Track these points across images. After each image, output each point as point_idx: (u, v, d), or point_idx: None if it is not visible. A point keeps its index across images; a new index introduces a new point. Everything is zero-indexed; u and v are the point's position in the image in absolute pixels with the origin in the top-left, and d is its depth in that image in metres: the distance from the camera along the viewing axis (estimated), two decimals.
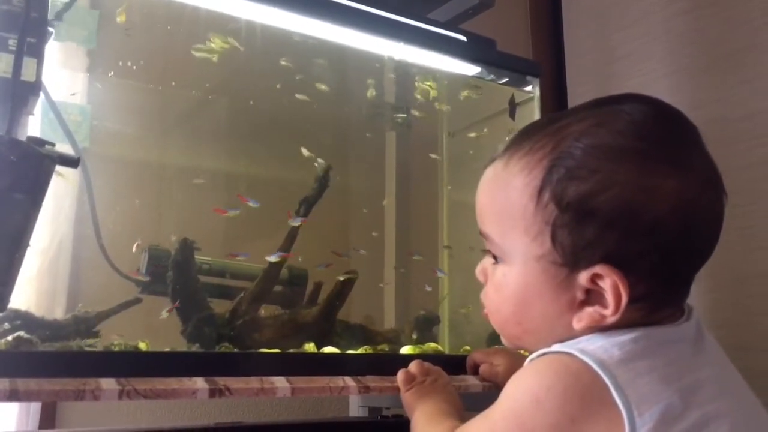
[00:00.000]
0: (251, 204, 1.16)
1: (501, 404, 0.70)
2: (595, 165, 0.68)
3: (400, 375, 0.96)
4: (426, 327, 1.31)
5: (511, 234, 0.73)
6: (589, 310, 0.70)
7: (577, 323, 0.70)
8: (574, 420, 0.64)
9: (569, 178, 0.68)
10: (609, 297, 0.68)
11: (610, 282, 0.67)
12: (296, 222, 1.18)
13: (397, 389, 0.96)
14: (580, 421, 0.64)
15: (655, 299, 0.70)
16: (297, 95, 1.28)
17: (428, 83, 1.33)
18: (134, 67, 1.18)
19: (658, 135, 0.70)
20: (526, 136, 0.74)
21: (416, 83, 1.35)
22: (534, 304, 0.73)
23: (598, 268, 0.67)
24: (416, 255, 1.43)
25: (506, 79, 1.40)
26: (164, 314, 1.06)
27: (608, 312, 0.68)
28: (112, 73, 1.17)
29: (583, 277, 0.69)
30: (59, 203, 1.13)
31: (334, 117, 1.42)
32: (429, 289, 1.42)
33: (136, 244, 1.12)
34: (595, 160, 0.68)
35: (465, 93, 1.42)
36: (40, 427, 1.40)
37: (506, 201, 0.73)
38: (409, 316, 1.38)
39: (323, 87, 1.30)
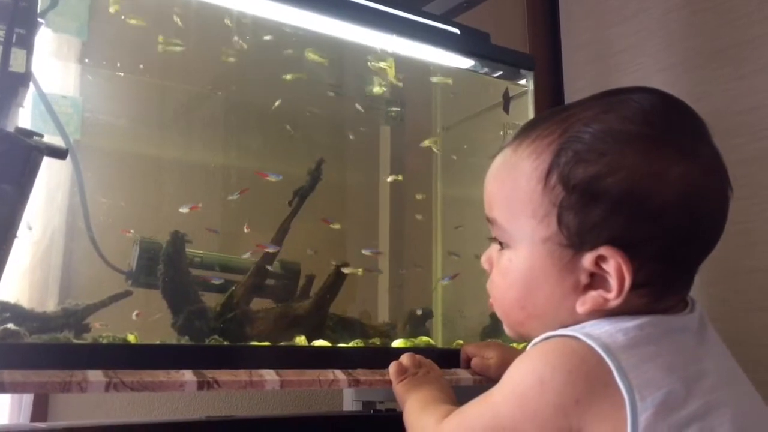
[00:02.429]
0: (272, 178, 1.18)
1: (503, 386, 0.70)
2: (603, 148, 0.68)
3: (392, 367, 0.96)
4: (419, 321, 1.31)
5: (519, 218, 0.73)
6: (593, 293, 0.70)
7: (581, 307, 0.70)
8: (578, 402, 0.64)
9: (577, 161, 0.69)
10: (612, 280, 0.68)
11: (614, 264, 0.67)
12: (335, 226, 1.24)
13: (388, 382, 0.95)
14: (584, 403, 0.64)
15: (659, 286, 0.70)
16: (286, 76, 1.27)
17: (384, 63, 1.30)
18: (126, 59, 1.17)
19: (665, 123, 0.70)
20: (535, 124, 0.75)
21: (370, 64, 1.31)
22: (539, 288, 0.73)
23: (603, 250, 0.68)
24: (454, 255, 1.43)
25: (500, 73, 1.39)
26: (134, 317, 1.06)
27: (611, 295, 0.68)
28: (107, 64, 1.17)
29: (588, 260, 0.69)
30: (51, 195, 1.12)
31: (327, 110, 1.41)
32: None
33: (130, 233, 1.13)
34: (602, 143, 0.69)
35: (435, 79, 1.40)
36: (32, 419, 1.40)
37: (514, 185, 0.74)
38: (404, 311, 1.37)
39: (317, 80, 1.29)
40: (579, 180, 0.68)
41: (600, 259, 0.68)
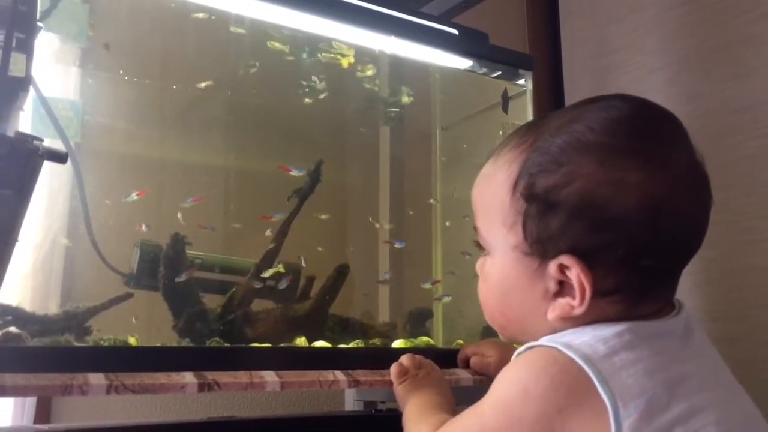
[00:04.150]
0: (295, 173, 1.19)
1: (490, 396, 0.72)
2: (562, 158, 0.70)
3: (394, 368, 0.97)
4: (419, 321, 1.32)
5: (493, 226, 0.76)
6: (561, 301, 0.71)
7: (551, 314, 0.72)
8: (561, 410, 0.65)
9: (539, 171, 0.71)
10: (575, 288, 0.69)
11: (575, 273, 0.69)
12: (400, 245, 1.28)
13: (387, 383, 0.96)
14: (567, 411, 0.65)
15: (631, 293, 0.70)
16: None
17: (337, 53, 1.28)
18: (126, 62, 1.18)
19: (631, 131, 0.71)
20: (516, 133, 0.77)
21: (321, 54, 1.30)
22: (513, 294, 0.76)
23: (563, 259, 0.70)
24: (467, 254, 1.43)
25: (499, 73, 1.40)
26: (133, 321, 1.07)
27: (576, 303, 0.70)
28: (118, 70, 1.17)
29: (552, 268, 0.71)
30: (53, 198, 1.13)
31: (327, 112, 1.41)
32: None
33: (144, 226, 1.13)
34: (562, 154, 0.71)
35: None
36: (35, 421, 1.41)
37: (490, 194, 0.77)
38: (404, 311, 1.38)
39: (315, 82, 1.29)
40: (539, 190, 0.71)
41: (564, 267, 0.70)
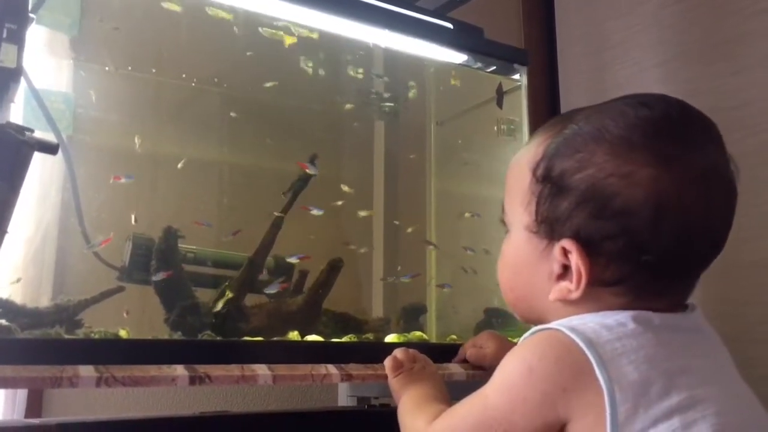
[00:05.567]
0: (310, 172, 1.20)
1: (493, 379, 0.73)
2: (580, 146, 0.72)
3: (388, 361, 0.97)
4: (413, 316, 1.31)
5: (514, 204, 0.79)
6: (561, 284, 0.73)
7: (551, 296, 0.74)
8: (565, 390, 0.66)
9: (558, 156, 0.73)
10: (574, 272, 0.71)
11: (574, 257, 0.71)
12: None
13: (380, 377, 0.96)
14: (570, 391, 0.66)
15: (634, 287, 0.71)
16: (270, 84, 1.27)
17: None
18: (118, 55, 1.17)
19: (652, 129, 0.71)
20: (553, 119, 0.80)
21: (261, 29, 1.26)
22: (522, 272, 0.78)
23: (565, 242, 0.71)
24: (470, 250, 1.43)
25: (494, 68, 1.39)
26: (124, 315, 1.06)
27: (572, 287, 0.71)
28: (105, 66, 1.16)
29: (556, 250, 0.72)
30: (45, 191, 1.12)
31: (321, 105, 1.41)
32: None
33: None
34: (582, 142, 0.72)
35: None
36: (26, 415, 1.40)
37: (516, 174, 0.79)
38: (397, 306, 1.37)
39: (309, 74, 1.29)
40: (554, 174, 0.73)
41: (566, 251, 0.71)
